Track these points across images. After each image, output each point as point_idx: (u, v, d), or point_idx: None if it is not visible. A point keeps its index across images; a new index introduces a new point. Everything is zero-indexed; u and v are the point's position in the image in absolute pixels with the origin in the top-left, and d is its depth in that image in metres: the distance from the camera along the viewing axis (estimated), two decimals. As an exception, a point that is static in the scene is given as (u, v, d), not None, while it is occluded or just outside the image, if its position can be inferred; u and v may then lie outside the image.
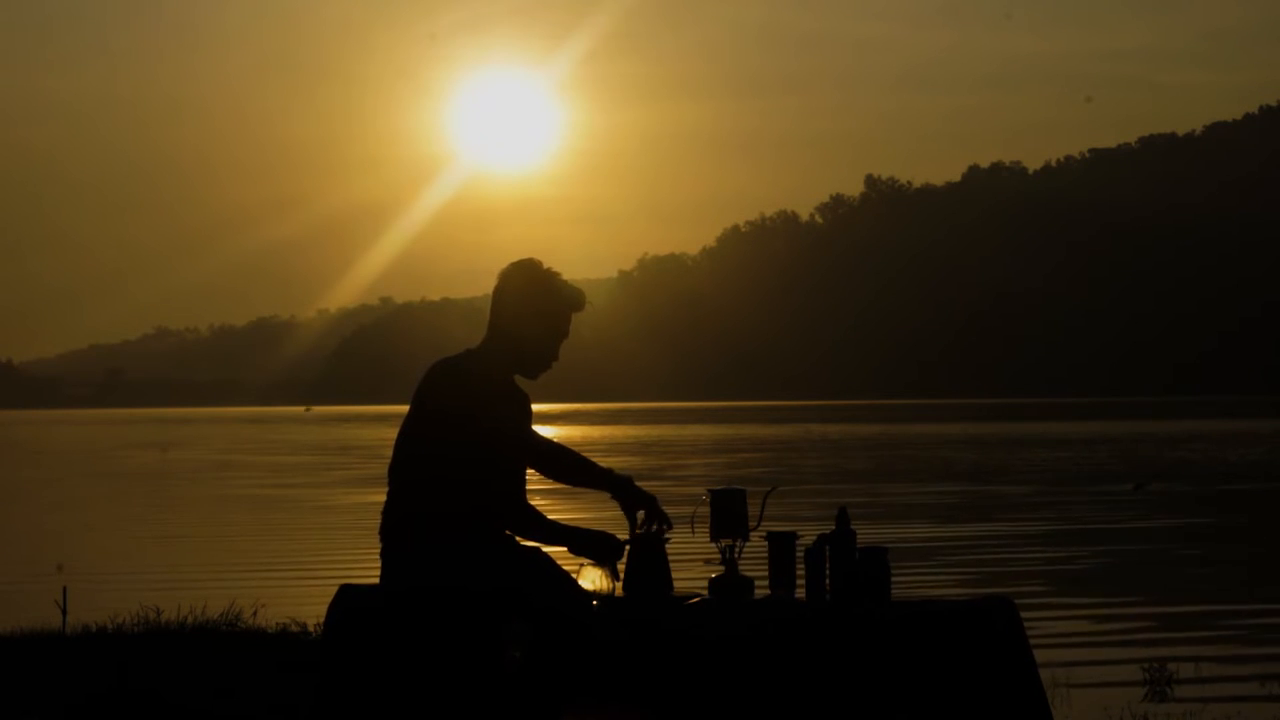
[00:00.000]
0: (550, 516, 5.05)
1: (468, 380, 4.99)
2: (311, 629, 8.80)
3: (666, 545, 5.21)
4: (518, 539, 5.02)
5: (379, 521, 5.06)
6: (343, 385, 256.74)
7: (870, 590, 4.98)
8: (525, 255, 5.18)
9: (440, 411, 4.97)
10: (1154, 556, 15.14)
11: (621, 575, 5.14)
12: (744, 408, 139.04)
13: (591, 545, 5.04)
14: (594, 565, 5.09)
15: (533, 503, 5.07)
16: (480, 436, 4.93)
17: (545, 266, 5.16)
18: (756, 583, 5.18)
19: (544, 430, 5.19)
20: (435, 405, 4.98)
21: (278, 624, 9.23)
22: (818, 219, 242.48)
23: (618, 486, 5.22)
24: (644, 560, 5.15)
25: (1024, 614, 5.02)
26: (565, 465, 5.28)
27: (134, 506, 24.91)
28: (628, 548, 5.14)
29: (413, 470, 4.99)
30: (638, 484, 5.26)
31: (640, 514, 5.21)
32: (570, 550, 5.05)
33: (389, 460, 5.06)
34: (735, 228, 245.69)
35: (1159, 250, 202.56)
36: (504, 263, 5.17)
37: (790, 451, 42.37)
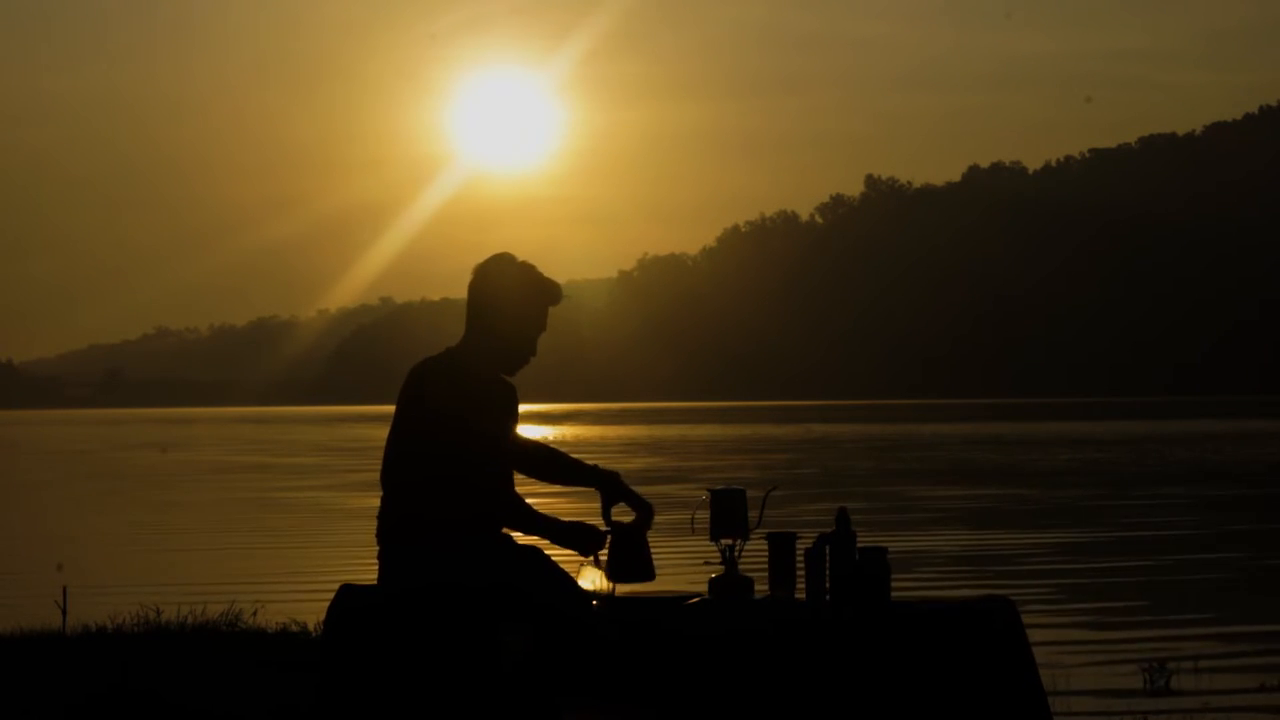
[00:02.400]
0: (536, 509, 5.04)
1: (457, 379, 4.98)
2: (311, 629, 8.80)
3: (649, 532, 5.19)
4: (515, 535, 5.03)
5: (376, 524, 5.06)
6: (343, 385, 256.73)
7: (870, 591, 4.97)
8: (524, 255, 5.17)
9: (431, 411, 4.96)
10: (1154, 556, 15.14)
11: (603, 564, 5.13)
12: (744, 408, 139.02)
13: (571, 536, 5.04)
14: (590, 564, 5.09)
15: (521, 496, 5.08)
16: (471, 437, 4.92)
17: (520, 260, 5.15)
18: (756, 583, 5.18)
19: (547, 430, 5.23)
20: (426, 405, 4.97)
21: (278, 624, 9.23)
22: (818, 219, 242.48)
23: (605, 482, 5.22)
24: (622, 547, 5.14)
25: (1024, 614, 5.02)
26: (551, 465, 5.28)
27: (134, 507, 24.91)
28: (608, 537, 5.14)
29: (406, 471, 4.98)
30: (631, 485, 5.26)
31: (615, 509, 5.21)
32: (551, 541, 5.05)
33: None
34: (735, 228, 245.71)
35: (1159, 250, 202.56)
36: None
37: (790, 451, 42.37)
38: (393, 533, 4.97)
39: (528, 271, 5.11)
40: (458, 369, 5.00)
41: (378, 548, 5.03)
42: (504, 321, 5.08)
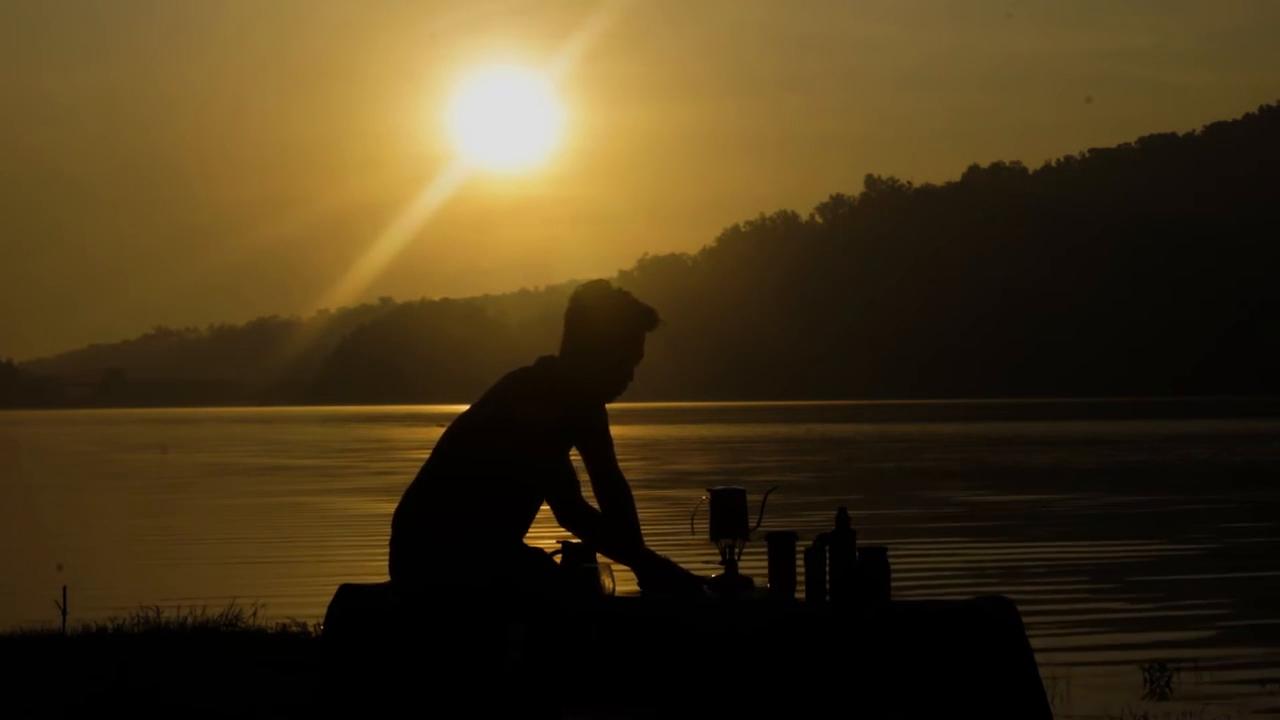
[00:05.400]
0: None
1: (549, 391, 5.00)
2: (311, 629, 8.80)
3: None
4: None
5: (398, 510, 5.06)
6: (343, 385, 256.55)
7: (870, 590, 4.97)
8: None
9: (506, 412, 4.97)
10: (1155, 556, 15.13)
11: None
12: (744, 408, 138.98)
13: (667, 579, 5.03)
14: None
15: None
16: (531, 440, 4.95)
17: (616, 288, 5.17)
18: (756, 583, 5.18)
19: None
20: (512, 412, 4.98)
21: (278, 624, 9.22)
22: (818, 219, 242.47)
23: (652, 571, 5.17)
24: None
25: (1024, 614, 5.02)
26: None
27: (134, 507, 24.91)
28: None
29: (462, 468, 4.98)
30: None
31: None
32: (638, 572, 5.05)
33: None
34: (735, 228, 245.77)
35: (1159, 250, 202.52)
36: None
37: (790, 451, 42.36)
38: (425, 524, 4.96)
39: (625, 299, 5.13)
40: (547, 379, 5.01)
41: (395, 534, 5.02)
42: (602, 348, 5.09)
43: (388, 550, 5.08)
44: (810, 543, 5.12)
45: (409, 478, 5.16)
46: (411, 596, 4.93)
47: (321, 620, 5.44)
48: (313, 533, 18.93)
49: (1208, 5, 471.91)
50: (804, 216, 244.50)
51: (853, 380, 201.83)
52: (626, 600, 5.10)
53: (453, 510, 4.96)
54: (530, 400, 5.00)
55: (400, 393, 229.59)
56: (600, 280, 5.20)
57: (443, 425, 5.61)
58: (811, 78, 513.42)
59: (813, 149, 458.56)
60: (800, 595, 5.11)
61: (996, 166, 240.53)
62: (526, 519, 5.10)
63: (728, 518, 5.21)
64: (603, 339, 5.10)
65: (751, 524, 5.23)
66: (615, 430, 5.35)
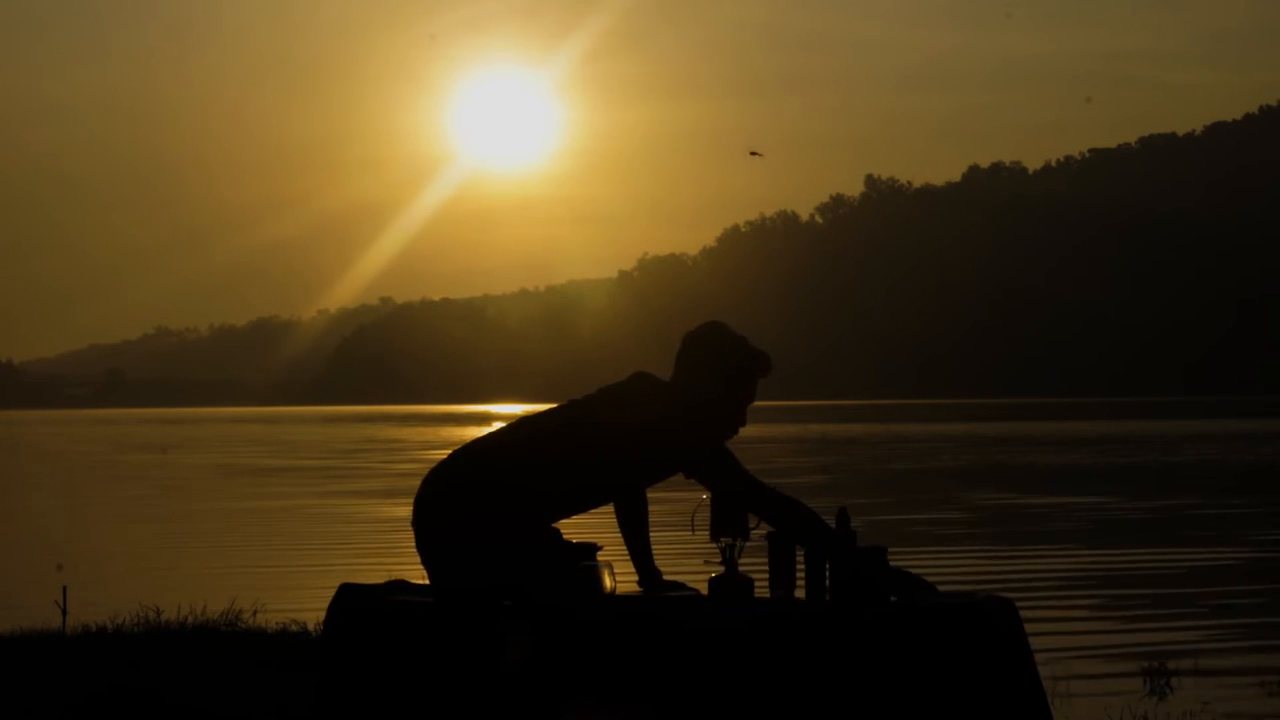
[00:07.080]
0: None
1: (671, 401, 5.04)
2: (311, 629, 8.79)
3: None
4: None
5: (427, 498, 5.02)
6: (343, 385, 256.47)
7: (870, 590, 4.97)
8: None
9: (622, 414, 5.03)
10: (1155, 555, 15.13)
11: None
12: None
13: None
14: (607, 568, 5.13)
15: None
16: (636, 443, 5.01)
17: (729, 329, 5.16)
18: (756, 583, 5.18)
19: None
20: (638, 415, 5.03)
21: (278, 624, 9.22)
22: (818, 219, 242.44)
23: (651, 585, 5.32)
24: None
25: (1024, 614, 5.02)
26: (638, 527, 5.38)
27: (134, 507, 24.90)
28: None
29: (541, 474, 4.97)
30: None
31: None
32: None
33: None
34: (735, 228, 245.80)
35: (1159, 250, 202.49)
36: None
37: (790, 452, 42.36)
38: (501, 520, 4.92)
39: (742, 345, 5.12)
40: (668, 389, 5.04)
41: (442, 526, 4.97)
42: (699, 387, 5.09)
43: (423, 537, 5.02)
44: (810, 543, 5.11)
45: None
46: (443, 595, 4.91)
47: (321, 620, 5.44)
48: (312, 533, 18.93)
49: (1208, 5, 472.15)
50: (804, 216, 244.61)
51: (853, 380, 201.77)
52: (626, 599, 5.10)
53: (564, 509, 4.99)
54: (648, 406, 5.01)
55: (400, 393, 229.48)
56: (717, 322, 5.20)
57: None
58: (811, 78, 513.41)
59: (813, 149, 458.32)
60: (800, 595, 5.11)
61: (996, 166, 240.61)
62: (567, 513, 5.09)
63: (728, 517, 5.21)
64: (714, 382, 5.09)
65: (752, 524, 5.23)
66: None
